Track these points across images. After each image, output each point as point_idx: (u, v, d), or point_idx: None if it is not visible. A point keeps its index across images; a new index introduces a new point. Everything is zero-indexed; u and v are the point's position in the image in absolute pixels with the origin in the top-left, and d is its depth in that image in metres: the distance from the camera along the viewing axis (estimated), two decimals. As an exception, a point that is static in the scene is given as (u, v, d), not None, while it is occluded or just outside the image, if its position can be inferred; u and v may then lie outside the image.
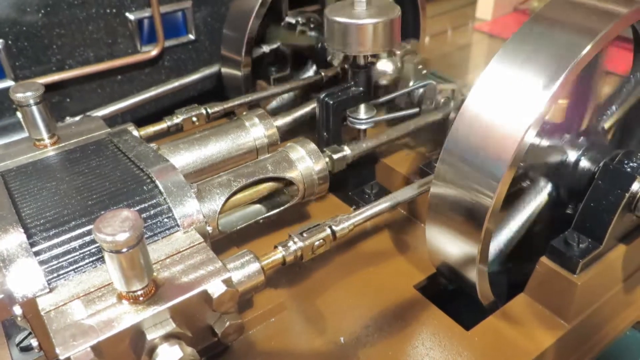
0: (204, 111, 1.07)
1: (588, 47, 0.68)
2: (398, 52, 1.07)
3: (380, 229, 1.02)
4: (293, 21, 1.36)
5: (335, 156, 0.93)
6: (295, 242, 0.77)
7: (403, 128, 1.04)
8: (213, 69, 1.38)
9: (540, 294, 0.83)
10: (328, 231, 0.79)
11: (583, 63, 0.68)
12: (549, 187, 0.85)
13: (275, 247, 0.77)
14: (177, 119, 1.04)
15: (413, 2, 1.32)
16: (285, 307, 0.85)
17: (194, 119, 1.06)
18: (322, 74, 1.21)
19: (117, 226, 0.54)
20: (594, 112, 0.86)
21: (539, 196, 0.86)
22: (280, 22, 1.37)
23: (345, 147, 0.95)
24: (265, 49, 1.35)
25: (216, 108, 1.09)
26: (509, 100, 0.70)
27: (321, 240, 0.78)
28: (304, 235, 0.77)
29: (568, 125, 0.84)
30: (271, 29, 1.37)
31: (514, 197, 0.87)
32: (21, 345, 0.75)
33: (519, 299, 0.84)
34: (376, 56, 1.02)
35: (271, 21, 1.35)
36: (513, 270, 0.90)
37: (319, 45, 1.29)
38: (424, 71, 1.13)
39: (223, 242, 0.88)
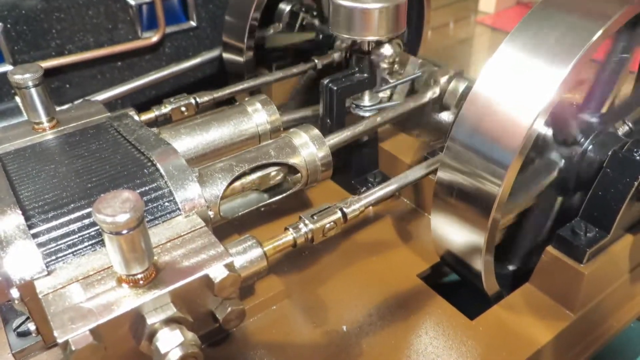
0: (192, 101, 1.05)
1: (599, 32, 0.67)
2: (441, 79, 1.04)
3: (383, 218, 1.01)
4: (290, 9, 1.34)
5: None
6: (306, 224, 0.76)
7: (390, 112, 1.00)
8: (214, 53, 1.36)
9: (546, 284, 0.82)
10: (339, 213, 0.78)
11: (594, 49, 0.67)
12: (561, 164, 0.83)
13: (286, 229, 0.76)
14: (165, 109, 1.02)
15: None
16: (287, 295, 0.84)
17: (183, 108, 1.04)
18: (316, 61, 1.20)
19: (117, 207, 0.52)
20: (612, 104, 0.85)
21: (549, 171, 0.84)
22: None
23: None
24: (265, 34, 1.34)
25: (205, 97, 1.07)
26: (518, 87, 0.68)
27: (332, 223, 0.77)
28: (315, 217, 0.76)
29: (583, 109, 0.83)
30: (270, 35, 1.35)
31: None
32: (19, 330, 0.74)
33: (524, 289, 0.83)
34: (380, 42, 1.00)
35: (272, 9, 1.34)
36: (518, 261, 0.89)
37: (320, 36, 1.28)
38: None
39: (224, 229, 0.87)
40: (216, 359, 0.76)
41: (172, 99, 1.04)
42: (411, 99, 1.03)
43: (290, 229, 0.75)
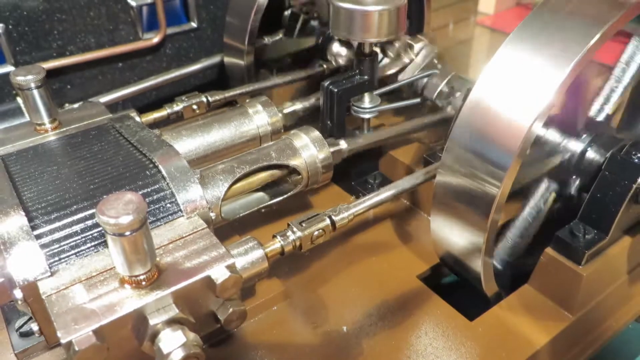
0: (204, 99, 1.07)
1: (597, 36, 0.67)
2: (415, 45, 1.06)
3: (383, 219, 1.02)
4: (291, 10, 1.35)
5: (331, 149, 0.91)
6: (294, 232, 0.76)
7: (406, 126, 1.03)
8: (215, 59, 1.37)
9: (545, 285, 0.82)
10: (327, 221, 0.78)
11: (592, 52, 0.67)
12: (554, 187, 0.85)
13: (274, 236, 0.76)
14: (178, 107, 1.04)
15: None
16: (287, 296, 0.85)
17: (195, 106, 1.06)
18: (325, 66, 1.21)
19: (120, 209, 0.53)
20: (592, 103, 0.86)
21: (545, 198, 0.85)
22: (283, 10, 1.36)
23: (342, 142, 0.93)
24: (268, 41, 1.35)
25: (217, 96, 1.09)
26: (516, 89, 0.69)
27: (320, 230, 0.77)
28: (303, 225, 0.76)
29: (573, 117, 0.84)
30: (271, 45, 1.36)
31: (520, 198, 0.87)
32: (21, 330, 0.75)
33: (523, 290, 0.84)
34: (381, 44, 1.01)
35: (274, 9, 1.34)
36: (518, 263, 0.89)
37: (321, 39, 1.28)
38: (439, 66, 1.12)
39: (225, 230, 0.87)
40: (218, 359, 0.76)
41: (184, 97, 1.06)
42: (427, 117, 1.06)
43: (278, 237, 0.75)
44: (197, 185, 0.72)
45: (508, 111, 0.69)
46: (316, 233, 0.77)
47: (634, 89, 0.88)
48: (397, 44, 1.10)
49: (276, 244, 0.75)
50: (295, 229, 0.76)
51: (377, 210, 1.03)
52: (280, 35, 1.36)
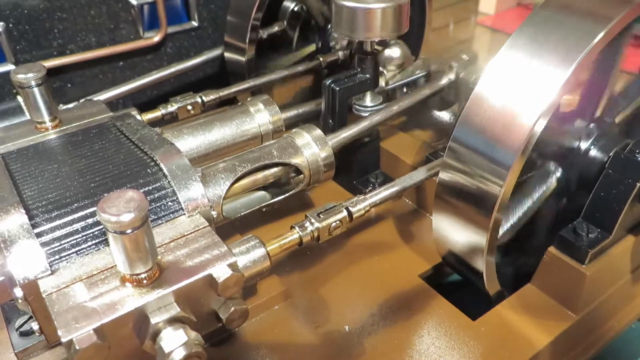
0: (199, 99, 1.06)
1: (601, 34, 0.67)
2: (455, 65, 1.04)
3: (385, 219, 1.01)
4: (292, 9, 1.35)
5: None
6: (312, 223, 0.76)
7: (407, 100, 1.01)
8: (216, 52, 1.37)
9: (548, 285, 0.82)
10: (344, 212, 0.78)
11: (596, 50, 0.67)
12: (558, 173, 0.84)
13: (292, 227, 0.76)
14: (172, 107, 1.03)
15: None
16: (289, 295, 0.84)
17: (189, 107, 1.05)
18: (321, 59, 1.20)
19: (121, 206, 0.52)
20: (608, 103, 0.85)
21: (548, 181, 0.84)
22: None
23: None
24: (263, 33, 1.34)
25: (211, 96, 1.08)
26: (520, 88, 0.69)
27: (338, 222, 0.77)
28: (321, 216, 0.76)
29: (581, 112, 0.83)
30: (270, 64, 1.36)
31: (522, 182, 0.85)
32: (21, 329, 0.74)
33: (526, 289, 0.83)
34: (382, 42, 1.00)
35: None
36: (521, 262, 0.89)
37: (319, 44, 1.28)
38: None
39: (226, 229, 0.87)
40: (219, 358, 0.76)
41: (178, 97, 1.05)
42: (427, 87, 1.03)
43: (297, 228, 0.76)
44: (198, 183, 0.71)
45: (511, 109, 0.68)
46: (334, 224, 0.77)
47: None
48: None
49: (294, 235, 0.75)
50: (313, 220, 0.76)
51: (379, 209, 1.03)
52: (277, 28, 1.36)
